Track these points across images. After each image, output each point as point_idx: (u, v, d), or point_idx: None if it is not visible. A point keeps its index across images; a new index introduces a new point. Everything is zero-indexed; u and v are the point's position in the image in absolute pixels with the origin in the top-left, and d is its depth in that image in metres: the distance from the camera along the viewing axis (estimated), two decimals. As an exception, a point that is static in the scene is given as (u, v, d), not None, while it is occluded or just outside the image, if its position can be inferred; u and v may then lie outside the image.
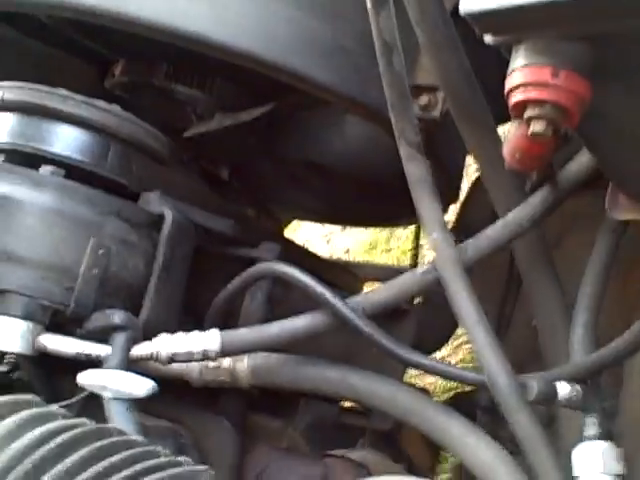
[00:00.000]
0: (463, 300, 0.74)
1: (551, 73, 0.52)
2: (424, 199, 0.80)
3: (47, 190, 0.80)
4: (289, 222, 1.73)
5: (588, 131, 0.63)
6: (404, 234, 2.39)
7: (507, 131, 0.61)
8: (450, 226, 1.10)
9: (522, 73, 0.53)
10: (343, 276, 1.25)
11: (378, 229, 2.43)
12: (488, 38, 0.55)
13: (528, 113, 0.53)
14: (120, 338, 0.78)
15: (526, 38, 0.53)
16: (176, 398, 0.89)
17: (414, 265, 1.34)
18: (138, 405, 0.78)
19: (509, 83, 0.54)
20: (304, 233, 2.48)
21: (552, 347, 0.81)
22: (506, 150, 0.61)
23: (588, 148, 0.69)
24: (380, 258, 2.45)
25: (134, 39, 0.91)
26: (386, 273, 1.24)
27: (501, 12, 0.51)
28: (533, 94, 0.53)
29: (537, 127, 0.53)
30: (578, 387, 0.70)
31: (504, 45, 0.55)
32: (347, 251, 2.55)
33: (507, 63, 0.56)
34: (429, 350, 1.18)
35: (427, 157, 0.81)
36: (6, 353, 0.79)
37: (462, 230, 0.88)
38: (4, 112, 0.86)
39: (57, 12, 0.89)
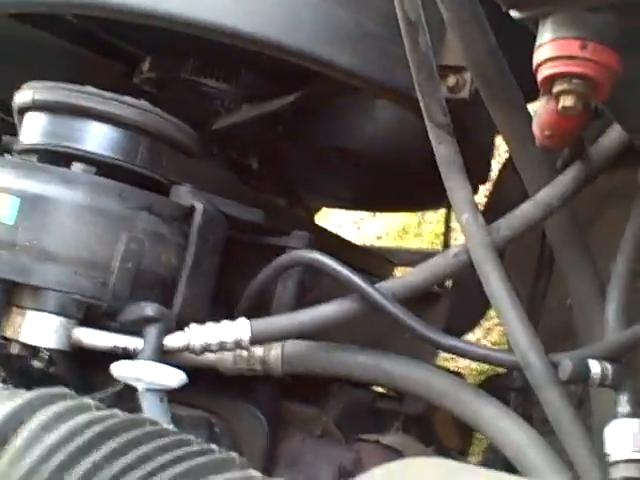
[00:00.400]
0: (494, 280, 0.73)
1: (579, 46, 0.51)
2: (454, 180, 0.79)
3: (79, 187, 0.81)
4: (319, 210, 1.73)
5: (618, 103, 0.61)
6: (435, 218, 2.37)
7: (537, 108, 0.60)
8: (481, 208, 1.09)
9: (550, 47, 0.52)
10: (376, 262, 1.25)
11: (409, 214, 2.42)
12: (514, 13, 0.53)
13: (557, 87, 0.52)
14: (153, 330, 0.78)
15: (553, 11, 0.52)
16: (210, 388, 0.90)
17: (446, 248, 1.32)
18: (172, 395, 0.79)
19: (537, 58, 0.53)
20: (335, 220, 2.48)
21: (586, 325, 0.79)
22: (536, 126, 0.60)
23: (618, 121, 0.68)
24: (412, 243, 2.44)
25: (160, 35, 0.92)
26: (418, 257, 1.23)
27: (526, -15, 0.50)
28: (561, 68, 0.52)
29: (567, 101, 0.52)
30: (611, 365, 0.68)
31: (531, 20, 0.54)
32: (379, 237, 2.55)
33: (534, 38, 0.55)
34: (461, 332, 1.17)
35: (456, 138, 0.80)
36: (41, 349, 0.80)
37: (493, 211, 0.87)
38: (35, 112, 0.87)
39: (88, 12, 0.90)
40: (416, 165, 1.12)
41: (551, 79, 0.53)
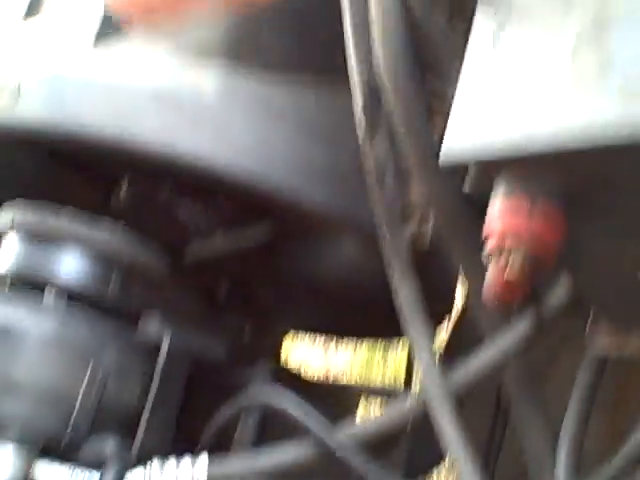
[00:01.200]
0: (447, 427, 0.73)
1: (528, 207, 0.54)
2: (413, 321, 0.79)
3: (50, 319, 0.82)
4: (286, 334, 1.72)
5: (565, 264, 0.64)
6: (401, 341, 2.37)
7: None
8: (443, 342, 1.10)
9: (499, 219, 0.55)
10: (340, 394, 1.24)
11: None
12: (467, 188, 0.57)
13: (503, 261, 0.55)
14: (111, 469, 0.78)
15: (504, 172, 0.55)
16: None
17: (408, 380, 1.31)
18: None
19: (486, 230, 0.56)
20: (301, 344, 2.47)
21: (539, 477, 0.79)
22: (485, 286, 0.62)
23: (568, 274, 0.70)
24: (377, 367, 2.43)
25: (138, 157, 0.94)
26: (382, 391, 1.23)
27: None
28: (509, 235, 0.55)
29: (511, 276, 0.55)
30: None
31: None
32: (344, 362, 2.54)
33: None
34: (425, 470, 1.15)
35: (418, 277, 0.81)
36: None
37: (454, 351, 0.88)
38: (12, 235, 0.88)
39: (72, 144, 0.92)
40: (381, 298, 1.14)
41: (499, 249, 0.56)
